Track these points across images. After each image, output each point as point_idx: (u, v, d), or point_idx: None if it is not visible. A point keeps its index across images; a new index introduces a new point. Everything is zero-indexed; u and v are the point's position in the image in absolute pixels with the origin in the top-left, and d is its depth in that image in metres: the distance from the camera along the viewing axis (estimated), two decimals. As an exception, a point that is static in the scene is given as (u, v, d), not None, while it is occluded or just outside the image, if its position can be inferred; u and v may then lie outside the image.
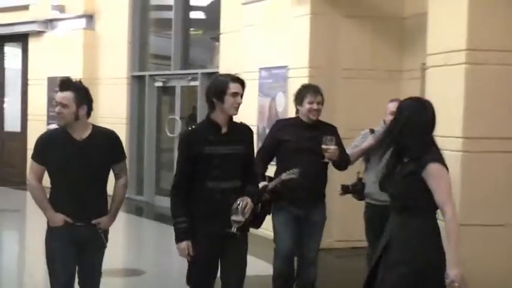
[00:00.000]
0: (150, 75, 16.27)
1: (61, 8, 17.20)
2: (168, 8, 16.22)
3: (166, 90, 16.28)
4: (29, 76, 18.41)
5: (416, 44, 10.24)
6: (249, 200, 5.43)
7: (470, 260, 7.69)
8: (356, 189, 7.34)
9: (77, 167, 5.42)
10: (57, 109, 5.36)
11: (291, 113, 10.86)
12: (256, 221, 6.17)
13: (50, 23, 17.71)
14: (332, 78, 10.89)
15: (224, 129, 5.52)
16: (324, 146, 6.40)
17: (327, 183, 6.91)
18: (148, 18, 16.93)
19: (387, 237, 5.02)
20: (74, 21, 17.25)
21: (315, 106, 6.66)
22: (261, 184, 6.56)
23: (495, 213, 7.37)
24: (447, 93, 7.91)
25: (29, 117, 18.41)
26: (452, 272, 4.63)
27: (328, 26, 11.11)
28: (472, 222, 7.57)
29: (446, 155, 6.76)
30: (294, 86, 10.84)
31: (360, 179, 7.41)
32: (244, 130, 5.82)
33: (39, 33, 17.96)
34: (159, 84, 16.18)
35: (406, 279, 4.77)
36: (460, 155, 7.68)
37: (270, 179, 7.07)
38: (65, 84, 5.44)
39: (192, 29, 16.25)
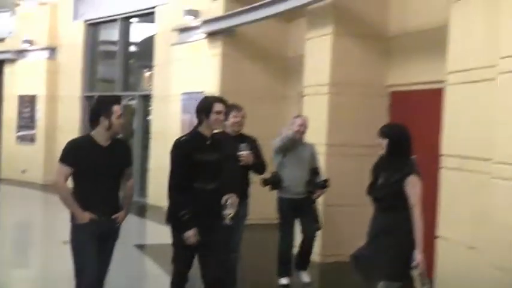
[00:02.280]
0: (99, 96, 16.22)
1: (30, 42, 17.04)
2: (113, 43, 15.98)
3: (111, 108, 16.13)
4: (4, 94, 18.14)
5: (296, 77, 10.23)
6: (234, 195, 5.22)
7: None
8: (274, 181, 6.93)
9: (103, 168, 4.99)
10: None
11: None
12: None
13: (21, 53, 17.45)
14: (237, 101, 11.20)
15: (209, 141, 5.19)
16: (238, 153, 6.06)
17: (249, 184, 6.48)
18: (97, 51, 16.67)
19: (375, 230, 4.93)
20: (40, 52, 17.02)
21: (238, 119, 6.38)
22: None
23: (351, 196, 7.73)
24: (317, 113, 8.33)
25: (3, 125, 18.08)
26: (418, 256, 4.65)
27: (234, 63, 11.32)
28: (337, 202, 8.16)
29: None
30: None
31: (275, 173, 6.98)
32: (222, 139, 5.50)
33: (12, 61, 17.67)
34: (105, 102, 16.23)
35: (395, 255, 4.77)
36: (325, 156, 8.14)
37: None
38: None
39: (131, 60, 15.99)
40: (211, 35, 11.60)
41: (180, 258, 5.22)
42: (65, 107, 16.62)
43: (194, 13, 12.01)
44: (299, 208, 6.99)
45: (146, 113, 14.70)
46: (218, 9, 11.43)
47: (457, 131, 6.14)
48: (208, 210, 5.10)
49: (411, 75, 8.25)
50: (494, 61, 5.28)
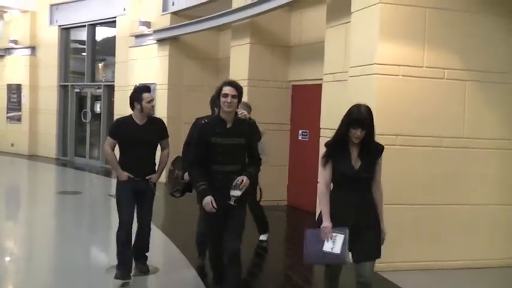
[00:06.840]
0: (72, 85, 16.00)
1: (15, 42, 16.91)
2: (82, 42, 15.82)
3: (81, 94, 15.81)
4: (-6, 83, 17.33)
5: (224, 73, 10.13)
6: (245, 177, 4.15)
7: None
8: None
9: (138, 140, 5.02)
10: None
11: (157, 109, 11.33)
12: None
13: (8, 50, 17.23)
14: (179, 91, 11.47)
15: (229, 124, 4.21)
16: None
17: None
18: (69, 48, 16.47)
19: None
20: (24, 50, 16.85)
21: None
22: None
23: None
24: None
25: (-7, 109, 17.75)
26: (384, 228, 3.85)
27: (178, 62, 11.59)
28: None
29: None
30: (159, 94, 11.59)
31: None
32: (246, 124, 4.43)
33: (1, 57, 17.46)
34: (77, 90, 15.93)
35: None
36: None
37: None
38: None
39: (97, 57, 15.77)
40: (160, 41, 11.81)
41: (208, 230, 4.54)
42: (44, 94, 16.55)
43: (147, 24, 12.27)
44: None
45: (110, 99, 14.60)
46: (166, 22, 11.68)
47: (329, 112, 6.84)
48: (224, 190, 4.16)
49: (304, 74, 8.97)
50: (347, 68, 6.07)
